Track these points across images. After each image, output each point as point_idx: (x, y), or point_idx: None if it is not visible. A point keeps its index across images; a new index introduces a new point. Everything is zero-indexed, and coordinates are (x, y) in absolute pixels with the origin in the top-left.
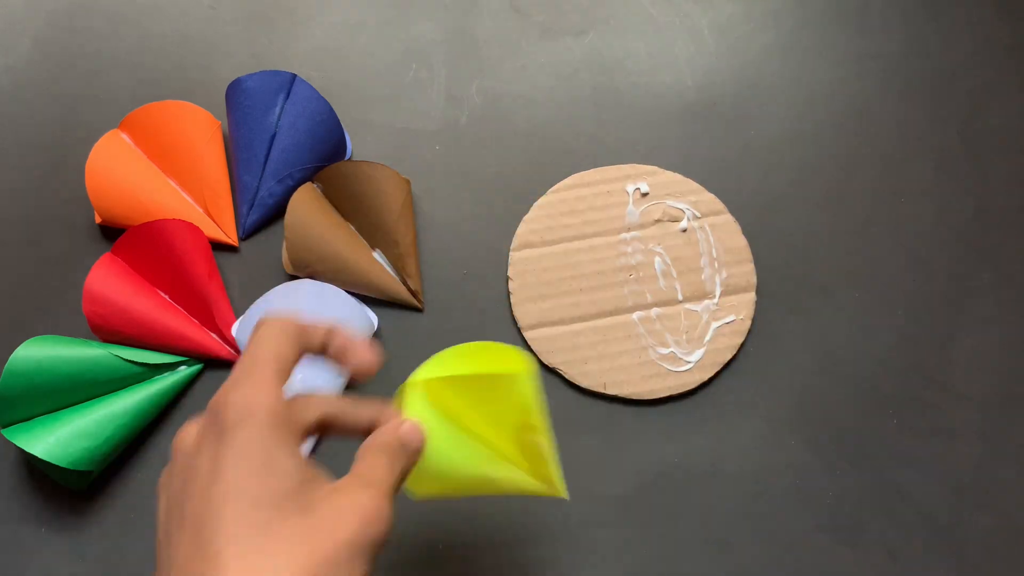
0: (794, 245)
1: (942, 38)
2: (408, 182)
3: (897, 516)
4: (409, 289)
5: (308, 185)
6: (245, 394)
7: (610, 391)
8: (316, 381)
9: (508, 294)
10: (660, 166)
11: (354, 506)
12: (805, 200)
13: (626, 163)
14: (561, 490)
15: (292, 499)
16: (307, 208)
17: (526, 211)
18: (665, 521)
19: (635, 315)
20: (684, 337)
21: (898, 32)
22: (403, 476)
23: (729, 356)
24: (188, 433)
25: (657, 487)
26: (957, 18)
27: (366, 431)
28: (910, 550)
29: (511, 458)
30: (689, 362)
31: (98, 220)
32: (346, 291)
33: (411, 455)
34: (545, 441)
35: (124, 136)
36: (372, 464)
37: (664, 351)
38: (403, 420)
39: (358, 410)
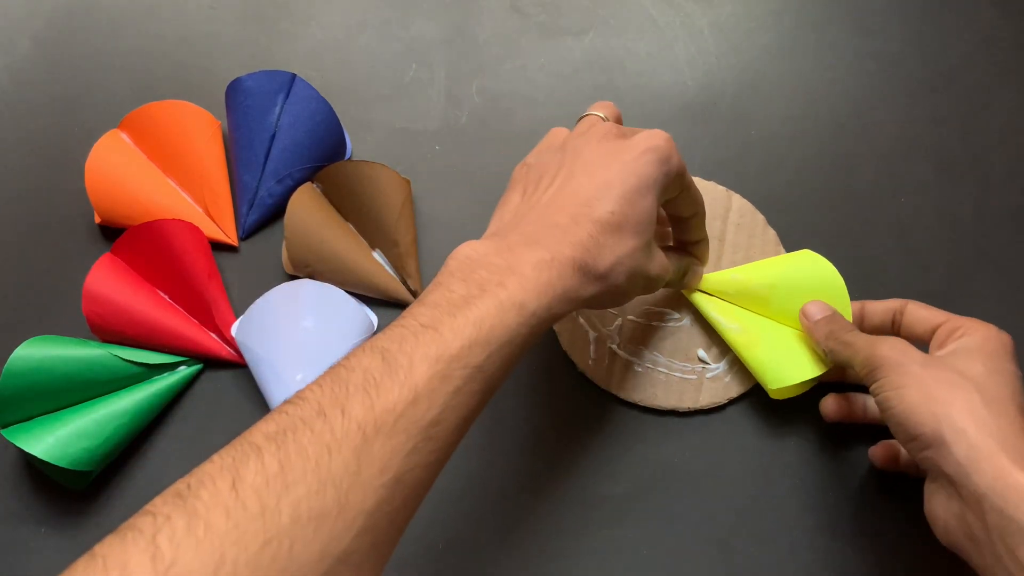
0: (794, 245)
1: (942, 38)
2: (408, 182)
3: (897, 516)
4: (409, 289)
5: (308, 185)
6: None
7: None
8: None
9: None
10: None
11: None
12: (805, 200)
13: None
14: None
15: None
16: (307, 208)
17: None
18: (665, 521)
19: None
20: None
21: (898, 32)
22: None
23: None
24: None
25: (657, 487)
26: (957, 18)
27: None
28: (911, 550)
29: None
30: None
31: (98, 220)
32: (346, 291)
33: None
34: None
35: (124, 136)
36: None
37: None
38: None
39: None
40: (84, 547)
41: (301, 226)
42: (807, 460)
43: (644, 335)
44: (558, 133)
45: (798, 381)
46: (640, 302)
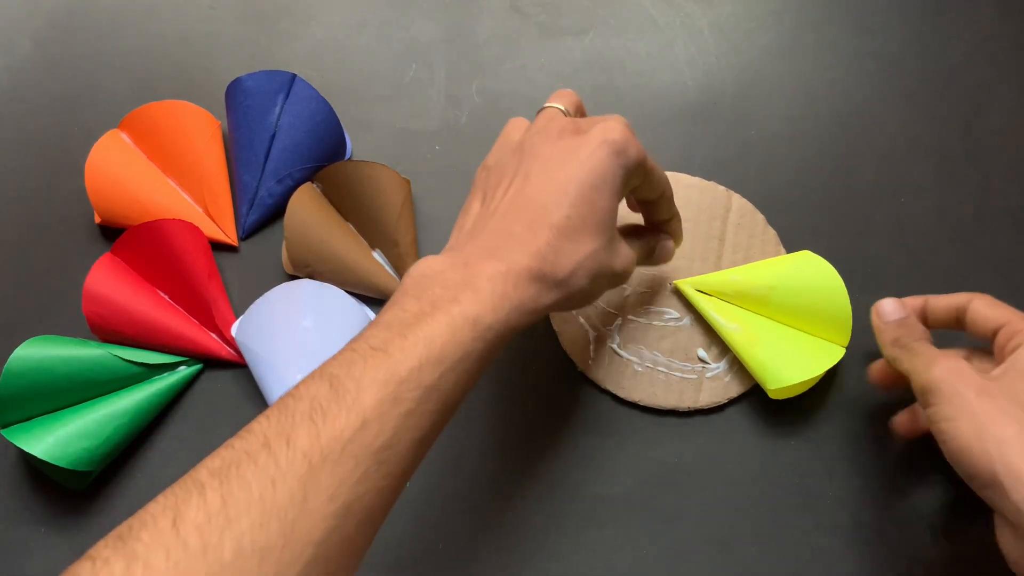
0: (794, 245)
1: (942, 38)
2: (408, 182)
3: (897, 516)
4: None
5: (308, 185)
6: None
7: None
8: None
9: None
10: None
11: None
12: (805, 200)
13: None
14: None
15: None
16: (307, 208)
17: None
18: (665, 521)
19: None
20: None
21: (898, 32)
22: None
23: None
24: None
25: (657, 487)
26: (957, 18)
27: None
28: (911, 550)
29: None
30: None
31: (98, 220)
32: (346, 291)
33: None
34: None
35: (124, 136)
36: None
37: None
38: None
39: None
40: (84, 547)
41: (301, 226)
42: (807, 460)
43: (644, 335)
44: (517, 126)
45: (797, 381)
46: (640, 301)
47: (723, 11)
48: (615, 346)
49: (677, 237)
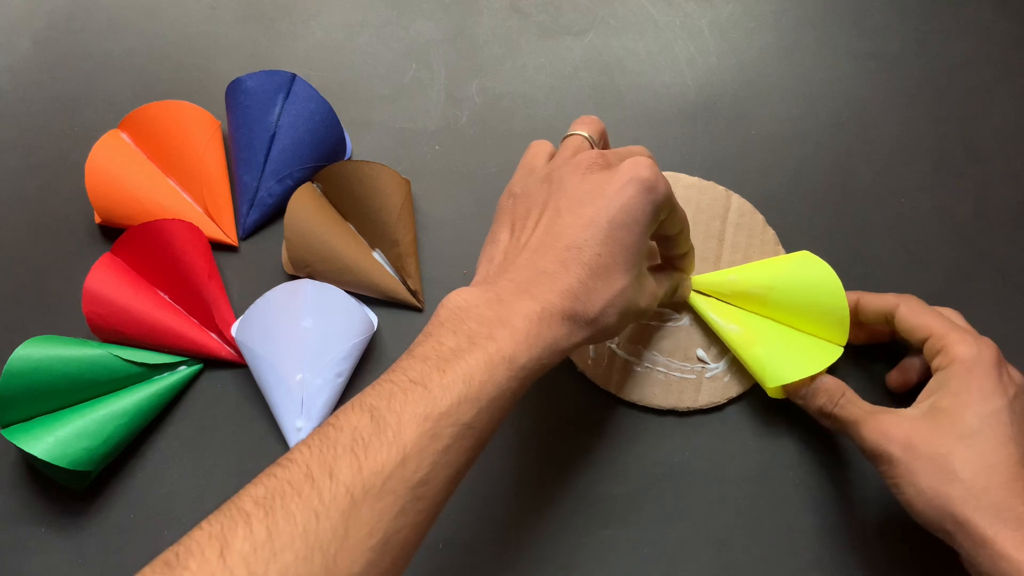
0: (794, 245)
1: (942, 38)
2: (408, 182)
3: (897, 515)
4: (409, 289)
5: (308, 185)
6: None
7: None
8: (315, 381)
9: None
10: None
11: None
12: (805, 200)
13: None
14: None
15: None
16: (307, 208)
17: None
18: (665, 521)
19: None
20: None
21: (898, 32)
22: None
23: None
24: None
25: (657, 487)
26: (957, 18)
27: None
28: (911, 550)
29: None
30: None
31: (98, 220)
32: (346, 291)
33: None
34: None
35: (124, 136)
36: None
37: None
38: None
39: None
40: (84, 547)
41: (301, 226)
42: (807, 460)
43: (643, 335)
44: (540, 151)
45: (796, 379)
46: None
47: (723, 11)
48: (615, 346)
49: (690, 271)
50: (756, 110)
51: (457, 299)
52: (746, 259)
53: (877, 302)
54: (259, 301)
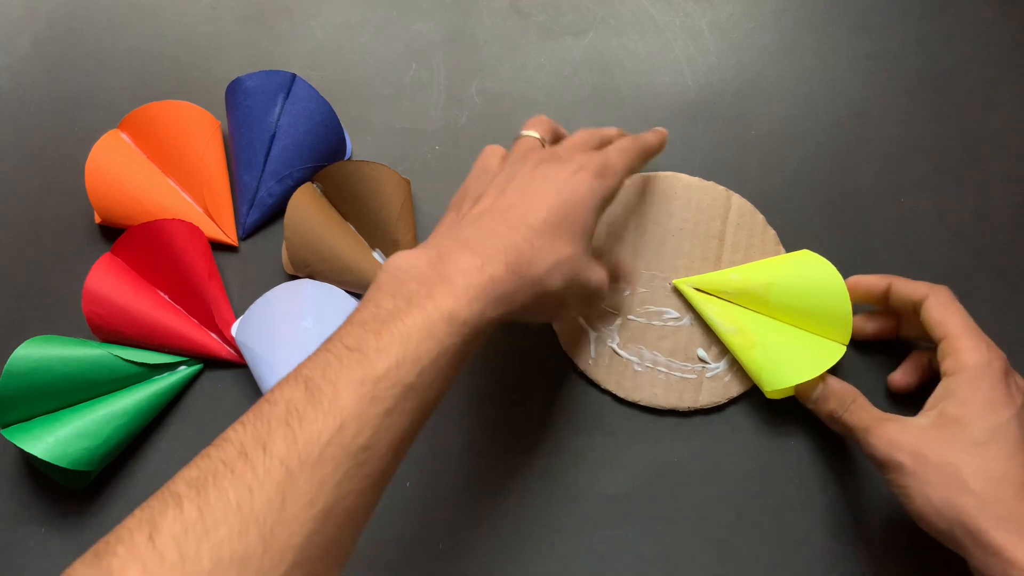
0: (794, 245)
1: (942, 38)
2: (408, 182)
3: (897, 515)
4: None
5: (308, 185)
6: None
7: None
8: None
9: None
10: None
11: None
12: (805, 200)
13: None
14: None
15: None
16: (307, 208)
17: None
18: (665, 521)
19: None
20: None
21: (898, 32)
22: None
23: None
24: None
25: (657, 487)
26: (957, 18)
27: None
28: (911, 550)
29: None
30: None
31: (98, 220)
32: (346, 291)
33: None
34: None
35: (124, 136)
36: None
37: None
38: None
39: None
40: (84, 547)
41: (301, 226)
42: (807, 460)
43: (644, 335)
44: (493, 153)
45: (794, 383)
46: (640, 301)
47: (723, 11)
48: (615, 346)
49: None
50: (756, 110)
51: (396, 261)
52: (747, 259)
53: (908, 288)
54: (259, 301)
